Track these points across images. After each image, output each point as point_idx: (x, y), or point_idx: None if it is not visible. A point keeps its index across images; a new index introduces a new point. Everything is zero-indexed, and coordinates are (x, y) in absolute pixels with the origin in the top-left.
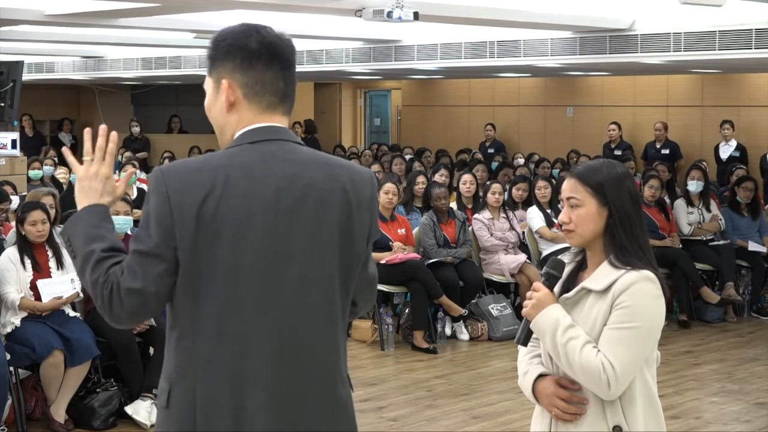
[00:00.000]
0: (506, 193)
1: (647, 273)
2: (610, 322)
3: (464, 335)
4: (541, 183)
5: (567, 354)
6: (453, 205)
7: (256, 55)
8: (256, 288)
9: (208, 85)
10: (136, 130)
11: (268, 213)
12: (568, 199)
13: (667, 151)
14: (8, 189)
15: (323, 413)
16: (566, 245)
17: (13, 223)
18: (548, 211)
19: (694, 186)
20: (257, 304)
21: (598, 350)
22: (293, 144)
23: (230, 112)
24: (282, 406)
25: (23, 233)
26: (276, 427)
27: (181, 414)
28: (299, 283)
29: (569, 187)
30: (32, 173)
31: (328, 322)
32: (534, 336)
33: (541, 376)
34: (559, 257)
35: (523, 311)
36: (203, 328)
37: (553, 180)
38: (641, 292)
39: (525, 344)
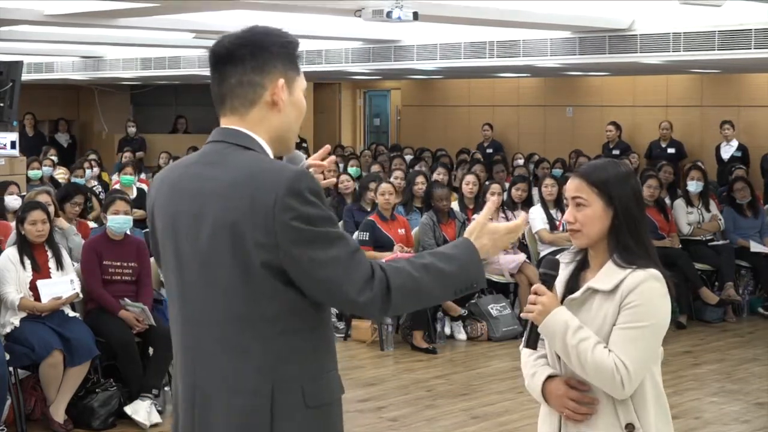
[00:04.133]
0: (506, 193)
1: (654, 272)
2: (619, 322)
3: (462, 335)
4: (548, 181)
5: (579, 356)
6: (454, 205)
7: (211, 65)
8: (172, 286)
9: None
10: (132, 130)
11: (179, 213)
12: (574, 198)
13: (672, 150)
14: (14, 189)
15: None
16: (563, 248)
17: (13, 224)
18: (552, 211)
19: (693, 186)
20: (174, 301)
21: (610, 351)
22: (229, 144)
23: None
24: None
25: (23, 233)
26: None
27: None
28: (197, 286)
29: (574, 186)
30: (31, 173)
31: (223, 327)
32: (540, 338)
33: (550, 377)
34: (554, 256)
35: (529, 316)
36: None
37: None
38: (649, 291)
39: (534, 347)
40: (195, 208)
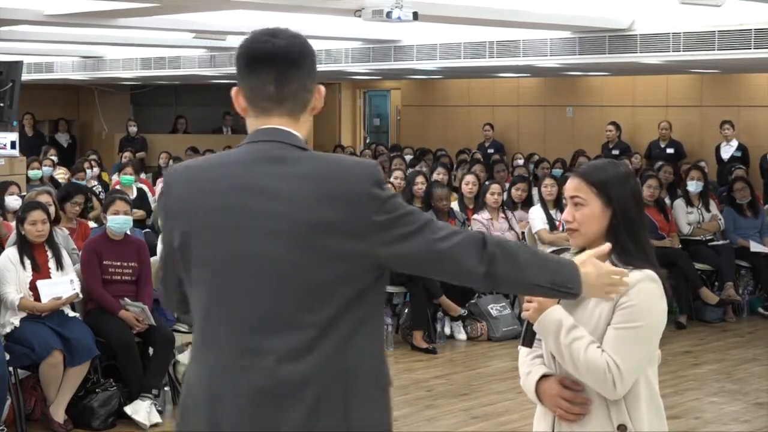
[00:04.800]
0: (506, 194)
1: (650, 273)
2: (614, 322)
3: (462, 335)
4: (548, 181)
5: (572, 355)
6: (454, 205)
7: (250, 64)
8: (231, 284)
9: None
10: (133, 130)
11: (243, 209)
12: (572, 197)
13: (671, 151)
14: (14, 189)
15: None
16: (563, 248)
17: (13, 224)
18: (552, 211)
19: (693, 186)
20: (232, 298)
21: (603, 350)
22: (287, 145)
23: (245, 116)
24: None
25: (23, 233)
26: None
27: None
28: (250, 278)
29: (573, 186)
30: (31, 173)
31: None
32: (537, 337)
33: (544, 376)
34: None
35: (525, 314)
36: (196, 318)
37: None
38: (645, 292)
39: (530, 345)
40: (270, 204)
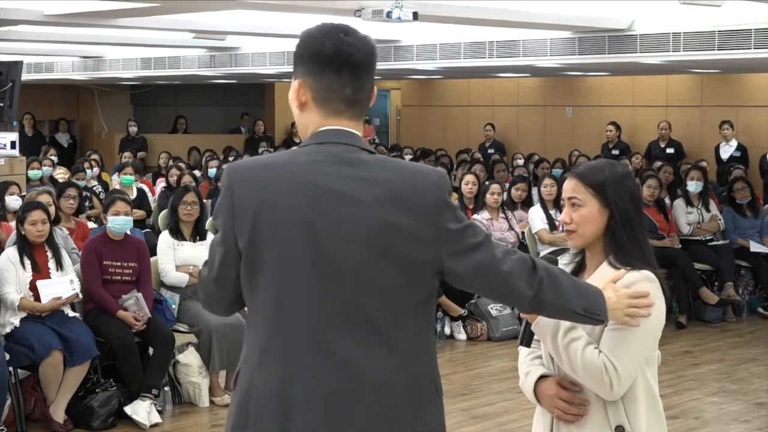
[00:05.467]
0: (505, 194)
1: (647, 273)
2: (610, 323)
3: (462, 335)
4: (547, 181)
5: (569, 356)
6: None
7: (326, 62)
8: (303, 285)
9: (293, 80)
10: (133, 129)
11: (318, 212)
12: (570, 199)
13: (671, 151)
14: (14, 189)
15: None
16: (562, 248)
17: (13, 224)
18: (552, 211)
19: (693, 186)
20: (307, 301)
21: (600, 351)
22: (357, 148)
23: (302, 111)
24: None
25: (23, 233)
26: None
27: (239, 399)
28: (322, 281)
29: (571, 187)
30: (31, 173)
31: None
32: (536, 337)
33: (542, 377)
34: (552, 256)
35: (524, 314)
36: (260, 320)
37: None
38: None
39: (528, 345)
40: (342, 207)
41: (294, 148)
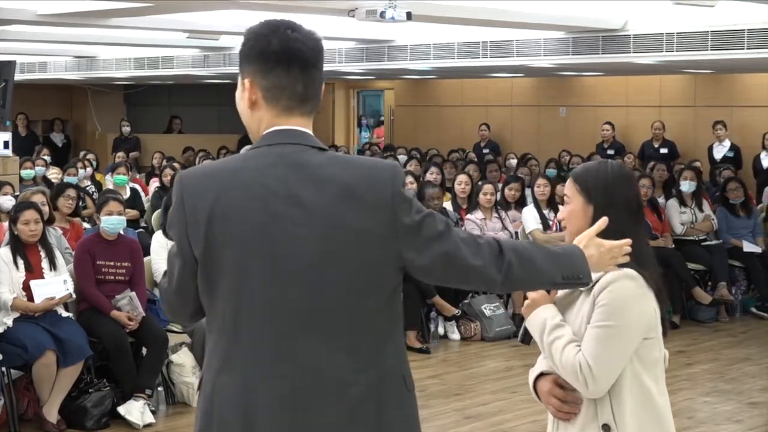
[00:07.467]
0: (499, 193)
1: (629, 271)
2: (591, 321)
3: (455, 335)
4: (540, 181)
5: (552, 354)
6: (447, 204)
7: (274, 60)
8: (260, 290)
9: (238, 80)
10: (126, 129)
11: (272, 215)
12: (563, 196)
13: (665, 151)
14: (8, 189)
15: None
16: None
17: (6, 224)
18: (545, 211)
19: (686, 186)
20: (266, 305)
21: (580, 349)
22: (308, 147)
23: (252, 110)
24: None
25: (16, 233)
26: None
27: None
28: (309, 284)
29: (566, 185)
30: (24, 173)
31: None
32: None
33: (542, 374)
34: None
35: (522, 311)
36: (220, 326)
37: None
38: (620, 290)
39: (527, 342)
40: (297, 210)
41: (244, 150)
